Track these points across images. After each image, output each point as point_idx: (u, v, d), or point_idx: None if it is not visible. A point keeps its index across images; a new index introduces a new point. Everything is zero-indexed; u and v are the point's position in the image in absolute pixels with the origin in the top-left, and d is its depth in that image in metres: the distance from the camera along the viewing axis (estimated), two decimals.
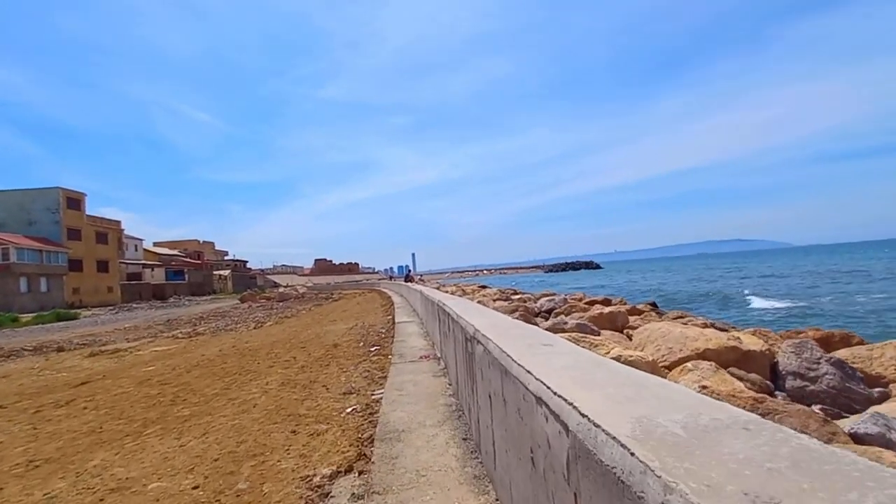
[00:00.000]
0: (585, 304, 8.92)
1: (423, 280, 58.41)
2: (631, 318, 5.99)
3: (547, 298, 7.43)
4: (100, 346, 14.50)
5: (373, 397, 5.29)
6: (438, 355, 5.85)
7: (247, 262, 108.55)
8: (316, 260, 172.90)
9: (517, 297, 10.05)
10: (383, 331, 11.71)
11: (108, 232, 48.95)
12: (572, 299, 8.29)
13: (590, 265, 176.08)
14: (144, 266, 64.62)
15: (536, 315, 6.72)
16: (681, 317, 6.99)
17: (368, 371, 6.91)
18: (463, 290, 15.77)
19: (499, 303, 8.64)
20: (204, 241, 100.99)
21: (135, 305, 43.49)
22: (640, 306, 9.05)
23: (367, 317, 16.86)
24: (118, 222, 51.60)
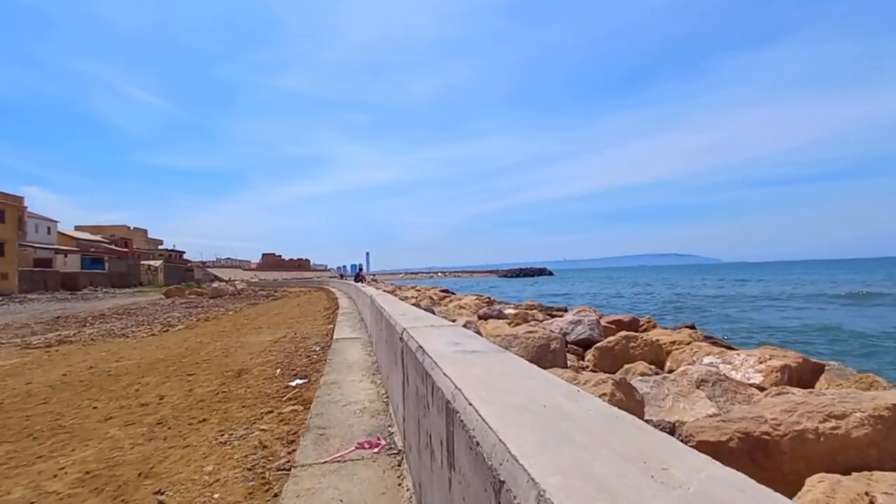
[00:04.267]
0: (609, 323, 6.25)
1: (375, 280, 54.76)
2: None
3: (570, 320, 4.67)
4: None
5: None
6: (399, 443, 2.83)
7: (183, 252, 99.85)
8: (264, 254, 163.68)
9: (511, 310, 7.24)
10: (318, 349, 8.50)
11: (4, 209, 41.63)
12: (605, 322, 5.64)
13: (543, 272, 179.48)
14: (57, 251, 56.64)
15: (572, 346, 3.92)
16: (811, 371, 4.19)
17: (266, 446, 3.77)
18: (431, 297, 12.74)
19: (493, 322, 5.75)
20: (135, 228, 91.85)
21: (33, 297, 36.99)
22: (681, 330, 6.50)
23: (303, 324, 13.48)
24: (20, 198, 44.23)
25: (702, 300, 36.28)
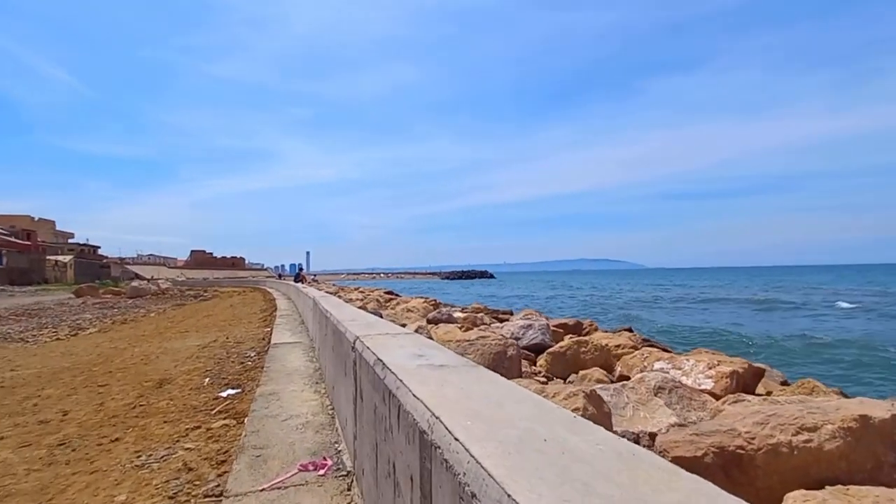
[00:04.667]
0: (556, 327, 6.33)
1: (316, 281, 52.93)
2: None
3: (521, 324, 4.65)
4: None
5: None
6: (347, 463, 2.57)
7: (99, 247, 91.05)
8: (193, 251, 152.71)
9: (460, 314, 7.12)
10: (253, 354, 7.92)
11: None
12: (553, 326, 5.71)
13: (484, 274, 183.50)
14: None
15: (524, 351, 3.86)
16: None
17: (192, 469, 3.35)
18: (377, 300, 12.34)
19: (443, 327, 5.59)
20: (40, 219, 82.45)
21: None
22: (621, 333, 6.73)
23: (236, 327, 12.60)
24: None
25: (628, 302, 39.41)
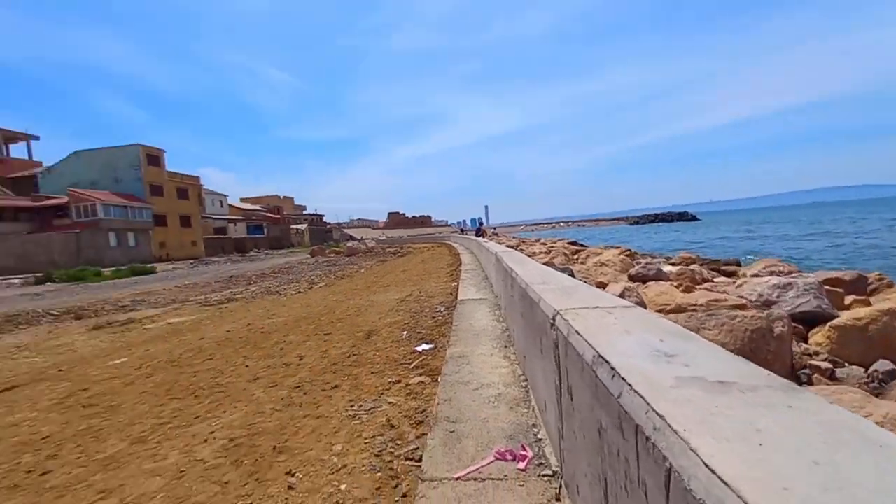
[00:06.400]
0: (826, 284, 4.63)
1: (496, 234, 54.42)
2: None
3: (772, 283, 3.30)
4: (129, 311, 12.73)
5: None
6: (552, 459, 2.12)
7: (323, 216, 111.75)
8: (389, 213, 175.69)
9: (670, 267, 5.84)
10: (443, 310, 8.25)
11: (188, 187, 50.31)
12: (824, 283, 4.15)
13: (684, 216, 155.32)
14: (229, 221, 67.46)
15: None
16: None
17: (394, 426, 3.42)
18: (564, 253, 11.57)
19: (654, 286, 4.60)
20: (284, 197, 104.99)
21: (215, 259, 44.70)
22: None
23: (427, 281, 13.57)
24: (196, 178, 52.89)
25: None
